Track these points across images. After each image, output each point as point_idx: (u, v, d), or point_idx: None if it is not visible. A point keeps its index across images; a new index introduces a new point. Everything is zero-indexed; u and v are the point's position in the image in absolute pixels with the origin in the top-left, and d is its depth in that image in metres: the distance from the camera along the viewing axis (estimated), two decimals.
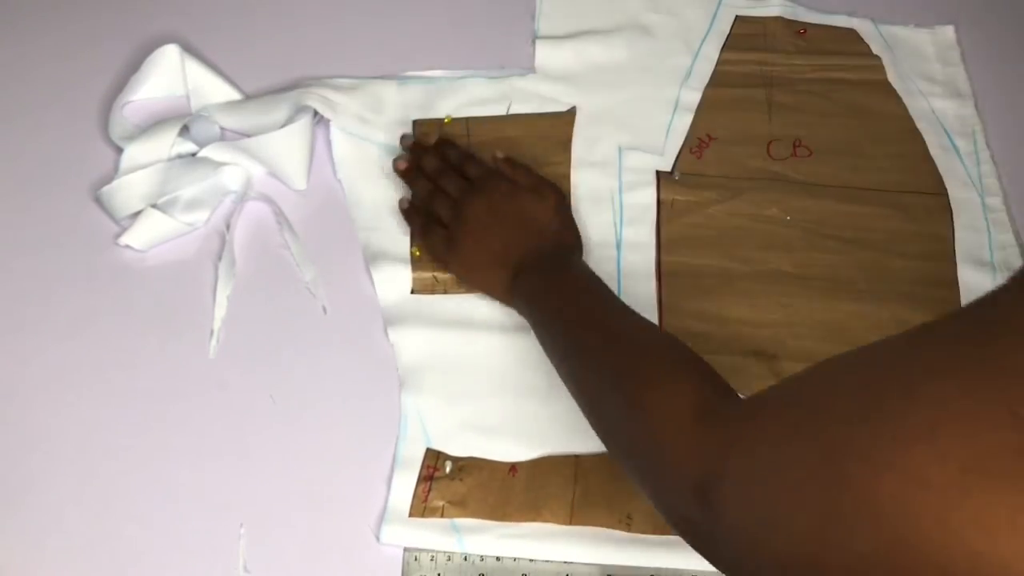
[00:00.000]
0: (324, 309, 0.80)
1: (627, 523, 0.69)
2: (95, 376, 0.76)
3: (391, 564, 0.69)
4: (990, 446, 0.36)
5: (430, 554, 0.69)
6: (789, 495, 0.44)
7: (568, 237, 0.80)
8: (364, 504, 0.71)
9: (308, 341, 0.78)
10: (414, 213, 0.83)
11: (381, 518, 0.70)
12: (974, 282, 0.81)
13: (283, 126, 0.85)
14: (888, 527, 0.38)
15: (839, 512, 0.41)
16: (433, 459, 0.72)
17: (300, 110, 0.86)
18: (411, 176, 0.85)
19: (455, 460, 0.72)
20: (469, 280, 0.80)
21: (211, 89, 0.90)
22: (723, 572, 0.52)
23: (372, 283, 0.81)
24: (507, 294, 0.77)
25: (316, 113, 0.87)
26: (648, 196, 0.86)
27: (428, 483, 0.71)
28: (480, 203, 0.79)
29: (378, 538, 0.70)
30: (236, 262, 0.81)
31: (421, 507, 0.70)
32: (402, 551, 0.69)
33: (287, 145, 0.85)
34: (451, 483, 0.71)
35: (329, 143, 0.88)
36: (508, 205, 0.79)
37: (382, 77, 0.92)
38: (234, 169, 0.85)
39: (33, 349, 0.78)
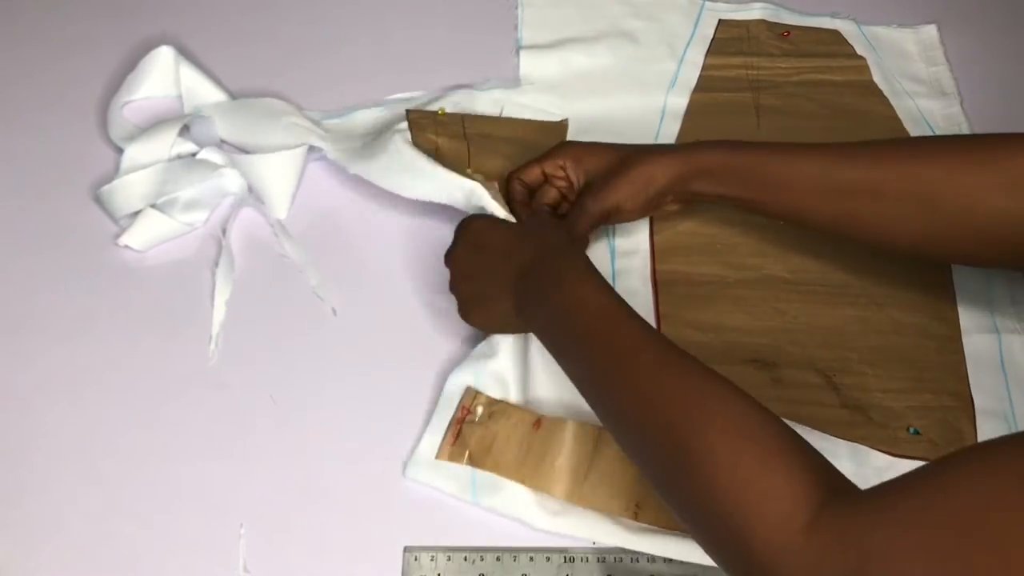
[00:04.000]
0: (334, 311, 0.76)
1: (635, 512, 0.65)
2: (95, 376, 0.73)
3: (391, 563, 0.65)
4: None
5: (430, 554, 0.65)
6: None
7: (548, 237, 0.68)
8: (364, 504, 0.68)
9: (308, 341, 0.75)
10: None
11: (408, 458, 0.68)
12: (969, 283, 0.78)
13: (274, 149, 0.81)
14: None
15: None
16: (470, 400, 0.70)
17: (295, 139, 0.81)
18: None
19: (487, 405, 0.69)
20: (487, 329, 0.72)
21: (204, 93, 0.86)
22: None
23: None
24: (521, 325, 0.68)
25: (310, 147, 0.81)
26: None
27: (459, 426, 0.69)
28: (457, 255, 0.70)
29: (404, 472, 0.68)
30: (235, 266, 0.78)
31: (448, 449, 0.68)
32: (402, 551, 0.66)
33: (277, 170, 0.80)
34: (479, 428, 0.68)
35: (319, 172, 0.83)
36: (477, 242, 0.69)
37: (364, 107, 0.87)
38: (234, 171, 0.81)
39: (33, 349, 0.74)
